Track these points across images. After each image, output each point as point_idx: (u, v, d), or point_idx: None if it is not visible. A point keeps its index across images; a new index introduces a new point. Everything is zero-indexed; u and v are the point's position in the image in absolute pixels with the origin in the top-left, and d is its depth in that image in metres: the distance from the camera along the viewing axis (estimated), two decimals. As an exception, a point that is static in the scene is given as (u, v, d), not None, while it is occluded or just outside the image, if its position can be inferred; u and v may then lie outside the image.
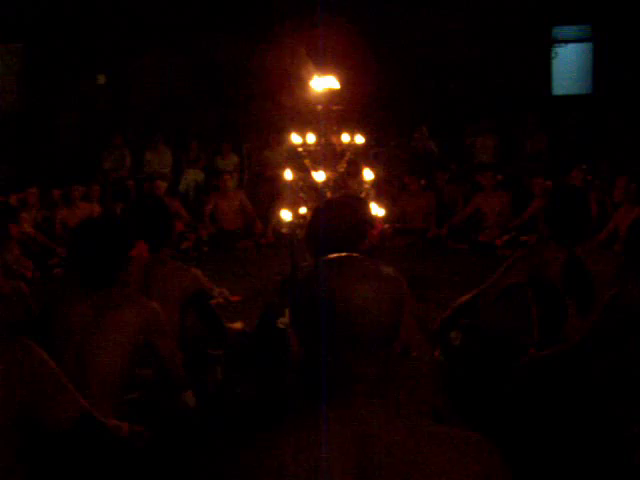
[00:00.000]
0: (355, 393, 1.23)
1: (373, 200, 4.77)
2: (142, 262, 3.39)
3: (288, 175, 4.91)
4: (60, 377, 2.11)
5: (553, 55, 11.79)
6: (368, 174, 4.86)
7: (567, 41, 11.81)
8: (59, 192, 9.03)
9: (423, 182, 9.39)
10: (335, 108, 4.87)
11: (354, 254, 1.35)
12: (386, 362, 1.25)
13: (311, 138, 4.87)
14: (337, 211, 2.64)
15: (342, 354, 1.23)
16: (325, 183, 4.71)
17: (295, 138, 4.89)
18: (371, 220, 2.84)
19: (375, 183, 5.05)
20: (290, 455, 1.19)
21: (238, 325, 3.80)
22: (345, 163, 4.89)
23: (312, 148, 4.86)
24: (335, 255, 1.32)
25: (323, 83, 4.84)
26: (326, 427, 1.21)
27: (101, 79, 12.59)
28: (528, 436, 2.70)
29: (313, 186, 4.81)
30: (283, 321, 2.17)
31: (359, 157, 5.33)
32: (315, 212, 2.78)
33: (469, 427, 1.27)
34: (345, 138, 4.90)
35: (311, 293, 1.26)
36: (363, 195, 4.77)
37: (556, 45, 11.74)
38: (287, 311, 2.53)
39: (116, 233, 2.78)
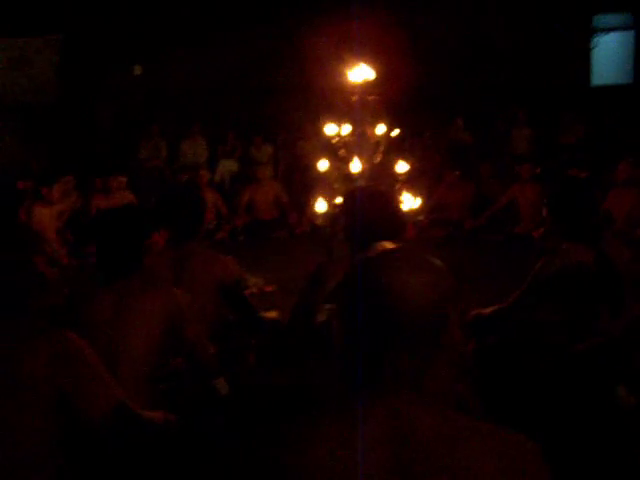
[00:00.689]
0: (397, 387, 1.23)
1: (408, 192, 4.75)
2: (171, 252, 3.40)
3: (323, 165, 4.91)
4: (99, 368, 2.14)
5: (593, 44, 11.57)
6: (402, 166, 4.83)
7: (608, 29, 11.58)
8: (100, 180, 9.15)
9: (458, 173, 9.30)
10: (370, 98, 4.85)
11: (402, 246, 1.35)
12: (431, 356, 1.24)
13: (346, 129, 4.85)
14: (378, 201, 2.63)
15: (387, 346, 1.23)
16: (360, 174, 4.70)
17: (330, 129, 4.87)
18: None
19: (410, 174, 5.02)
20: (327, 450, 1.19)
21: (273, 314, 3.80)
22: (380, 154, 4.87)
23: (347, 139, 4.85)
24: (385, 247, 1.32)
25: (359, 73, 4.82)
26: (365, 421, 1.20)
27: (137, 70, 12.70)
28: (561, 432, 2.67)
29: (348, 177, 4.80)
30: (328, 307, 2.17)
31: (394, 148, 5.30)
32: (352, 201, 2.76)
33: (495, 420, 1.26)
34: (380, 129, 4.88)
35: (361, 284, 1.26)
36: (397, 187, 4.75)
37: (597, 34, 11.52)
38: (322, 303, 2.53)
39: (130, 221, 2.79)
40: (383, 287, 1.23)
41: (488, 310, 3.43)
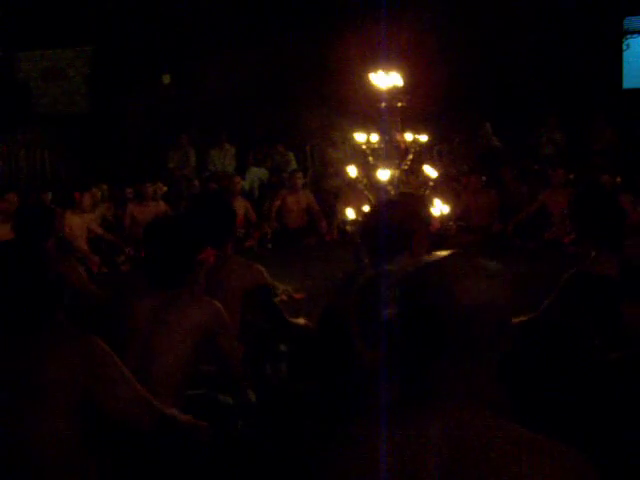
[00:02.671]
0: (457, 395, 1.21)
1: (436, 197, 4.73)
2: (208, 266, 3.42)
3: (352, 173, 4.91)
4: (123, 370, 2.17)
5: (624, 47, 11.43)
6: (430, 171, 4.81)
7: (639, 32, 11.44)
8: (132, 190, 9.25)
9: (484, 179, 9.23)
10: (399, 105, 4.84)
11: (456, 252, 1.32)
12: (486, 364, 1.23)
13: (375, 136, 4.86)
14: (386, 211, 2.65)
15: (449, 355, 1.21)
16: (389, 181, 4.69)
17: (359, 136, 4.88)
18: (427, 218, 2.82)
19: (439, 180, 5.00)
20: (383, 456, 1.18)
21: (301, 321, 3.80)
22: (408, 160, 4.86)
23: (376, 146, 4.85)
24: (441, 253, 1.30)
25: (387, 80, 4.82)
26: (421, 430, 1.19)
27: (166, 79, 12.83)
28: (597, 438, 2.63)
29: (377, 184, 4.79)
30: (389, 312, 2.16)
31: (422, 154, 5.28)
32: (369, 213, 2.78)
33: (529, 425, 1.25)
34: (408, 135, 4.87)
35: (418, 292, 1.24)
36: (427, 193, 4.73)
37: (627, 36, 11.38)
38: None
39: (186, 235, 2.80)
40: (440, 294, 1.21)
41: (517, 320, 3.39)
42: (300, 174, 9.47)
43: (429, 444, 1.17)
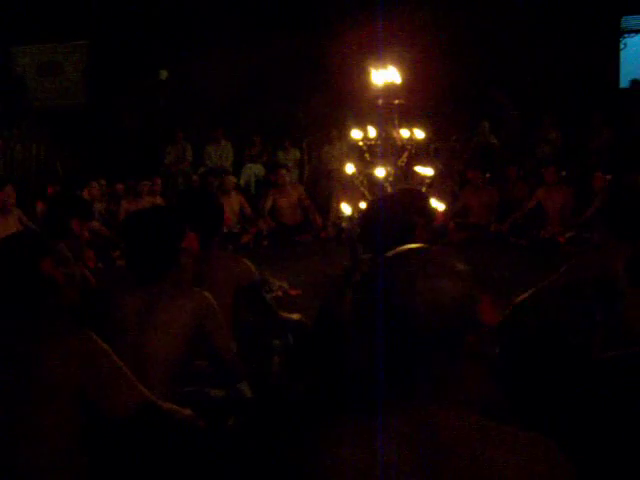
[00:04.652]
0: (420, 392, 1.21)
1: (433, 195, 4.73)
2: (193, 254, 3.40)
3: (349, 169, 4.91)
4: (120, 366, 2.15)
5: (621, 46, 11.45)
6: (427, 170, 4.81)
7: (637, 31, 11.46)
8: (122, 186, 9.24)
9: (487, 176, 9.23)
10: (396, 102, 4.84)
11: (424, 247, 1.31)
12: (453, 360, 1.22)
13: (372, 132, 4.85)
14: (385, 206, 2.64)
15: (407, 351, 1.21)
16: (385, 178, 4.69)
17: (356, 133, 4.88)
18: (431, 212, 2.81)
19: (435, 178, 5.00)
20: (349, 451, 1.19)
21: (295, 316, 3.79)
22: (405, 158, 4.86)
23: (372, 142, 4.84)
24: (403, 248, 1.29)
25: (384, 77, 4.81)
26: (386, 424, 1.19)
27: (163, 74, 12.81)
28: (586, 437, 2.63)
29: (373, 180, 4.79)
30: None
31: (419, 152, 5.28)
32: (368, 207, 2.77)
33: (520, 423, 1.25)
34: (405, 133, 4.87)
35: (375, 287, 1.23)
36: (422, 190, 4.73)
37: (625, 35, 11.40)
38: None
39: (166, 224, 2.75)
40: (400, 289, 1.20)
41: (510, 309, 3.38)
42: (284, 170, 9.44)
43: (399, 440, 1.18)
